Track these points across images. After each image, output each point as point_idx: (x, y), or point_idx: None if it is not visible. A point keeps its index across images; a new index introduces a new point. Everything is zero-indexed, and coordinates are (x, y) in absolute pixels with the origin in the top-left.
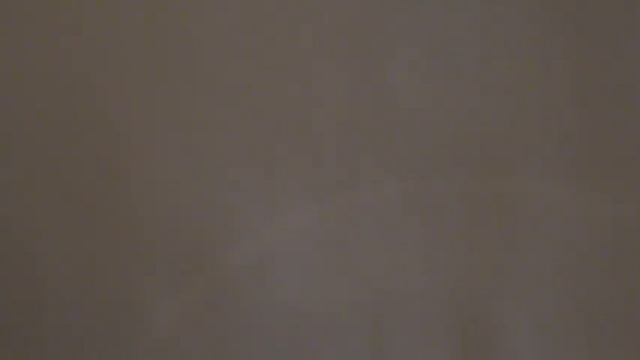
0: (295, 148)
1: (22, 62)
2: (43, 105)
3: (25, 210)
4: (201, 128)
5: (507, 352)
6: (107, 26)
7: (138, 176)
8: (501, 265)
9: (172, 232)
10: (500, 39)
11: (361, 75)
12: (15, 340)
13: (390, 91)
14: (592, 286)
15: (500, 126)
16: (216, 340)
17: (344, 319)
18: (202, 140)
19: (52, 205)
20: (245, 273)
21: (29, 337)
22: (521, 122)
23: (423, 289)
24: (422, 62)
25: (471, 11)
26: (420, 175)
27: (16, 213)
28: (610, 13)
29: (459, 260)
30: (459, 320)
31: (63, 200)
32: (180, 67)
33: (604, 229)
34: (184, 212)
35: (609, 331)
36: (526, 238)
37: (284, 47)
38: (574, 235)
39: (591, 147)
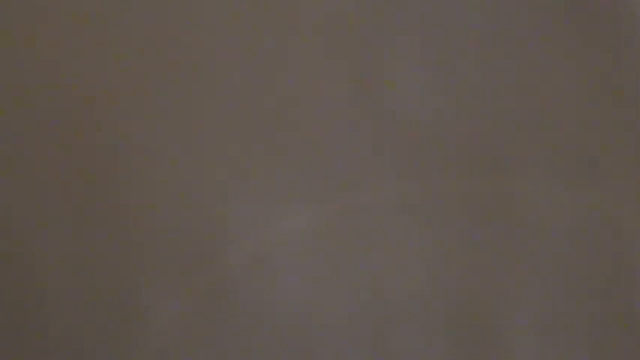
0: (295, 148)
1: (23, 64)
2: (44, 106)
3: (25, 211)
4: (201, 129)
5: (507, 352)
6: (107, 29)
7: (137, 177)
8: (501, 265)
9: (172, 233)
10: (501, 39)
11: (361, 75)
12: (14, 340)
13: (390, 91)
14: (592, 286)
15: (501, 126)
16: (215, 340)
17: (344, 320)
18: (202, 141)
19: (51, 206)
20: (245, 273)
21: (28, 337)
22: (522, 122)
23: (423, 289)
24: (422, 62)
25: (472, 11)
26: (421, 176)
27: (16, 214)
28: (611, 12)
29: (459, 260)
30: (459, 320)
31: (62, 201)
32: (180, 70)
33: (604, 229)
34: (184, 212)
35: (609, 331)
36: (526, 238)
37: (282, 49)
38: (574, 235)
39: (591, 147)
